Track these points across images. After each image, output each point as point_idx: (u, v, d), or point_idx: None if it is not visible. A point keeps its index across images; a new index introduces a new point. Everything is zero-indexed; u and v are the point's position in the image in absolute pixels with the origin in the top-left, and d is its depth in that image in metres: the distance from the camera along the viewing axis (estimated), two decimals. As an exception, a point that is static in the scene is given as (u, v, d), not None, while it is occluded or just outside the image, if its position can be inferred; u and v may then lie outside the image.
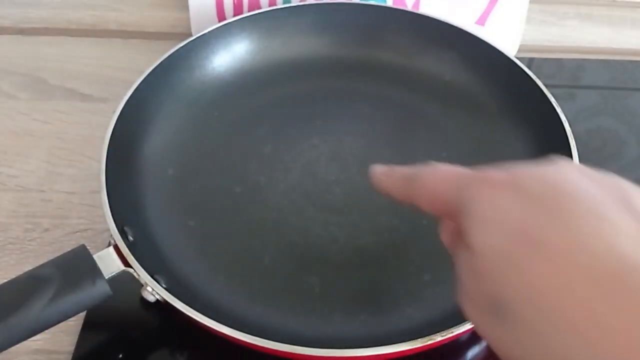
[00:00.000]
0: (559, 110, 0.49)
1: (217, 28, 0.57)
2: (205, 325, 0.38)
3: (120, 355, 0.43)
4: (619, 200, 0.25)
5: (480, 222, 0.27)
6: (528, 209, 0.26)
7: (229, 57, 0.57)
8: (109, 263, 0.40)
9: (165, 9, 0.63)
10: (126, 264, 0.41)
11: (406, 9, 0.60)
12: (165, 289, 0.40)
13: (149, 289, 0.40)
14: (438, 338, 0.38)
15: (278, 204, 0.49)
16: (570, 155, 0.46)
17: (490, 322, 0.26)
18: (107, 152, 0.46)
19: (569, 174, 0.27)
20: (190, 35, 0.58)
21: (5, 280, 0.39)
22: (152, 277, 0.40)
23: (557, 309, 0.24)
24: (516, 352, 0.26)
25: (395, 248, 0.47)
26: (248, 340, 0.38)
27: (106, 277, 0.40)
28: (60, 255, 0.40)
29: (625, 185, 0.27)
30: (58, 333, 0.44)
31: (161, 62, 0.53)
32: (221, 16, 0.62)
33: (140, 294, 0.41)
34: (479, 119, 0.54)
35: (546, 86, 0.51)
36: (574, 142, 0.47)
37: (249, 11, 0.61)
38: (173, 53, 0.54)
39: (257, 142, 0.53)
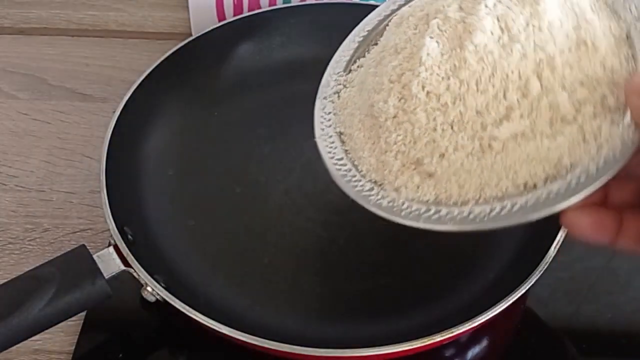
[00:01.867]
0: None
1: (217, 28, 0.57)
2: (205, 325, 0.38)
3: (120, 355, 0.43)
4: None
5: None
6: None
7: (229, 57, 0.57)
8: (109, 263, 0.40)
9: (165, 9, 0.63)
10: (126, 264, 0.41)
11: (406, 9, 0.60)
12: (165, 288, 0.40)
13: (149, 289, 0.40)
14: (438, 338, 0.38)
15: (278, 204, 0.49)
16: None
17: None
18: (107, 152, 0.46)
19: None
20: (190, 35, 0.58)
21: (5, 280, 0.39)
22: (152, 277, 0.40)
23: None
24: None
25: (395, 248, 0.47)
26: (248, 340, 0.38)
27: (106, 277, 0.40)
28: (60, 255, 0.40)
29: None
30: (58, 333, 0.44)
31: (161, 62, 0.53)
32: (221, 16, 0.62)
33: (140, 294, 0.41)
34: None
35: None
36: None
37: (249, 11, 0.61)
38: (173, 53, 0.54)
39: (257, 142, 0.53)
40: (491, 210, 0.34)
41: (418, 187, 0.36)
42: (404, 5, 0.42)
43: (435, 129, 0.36)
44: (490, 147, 0.35)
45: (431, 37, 0.37)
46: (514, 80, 0.35)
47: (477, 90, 0.35)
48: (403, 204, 0.36)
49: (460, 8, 0.38)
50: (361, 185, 0.38)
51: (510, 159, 0.35)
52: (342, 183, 0.38)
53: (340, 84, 0.43)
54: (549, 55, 0.35)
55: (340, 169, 0.39)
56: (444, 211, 0.35)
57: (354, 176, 0.38)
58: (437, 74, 0.36)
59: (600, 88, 0.34)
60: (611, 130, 0.33)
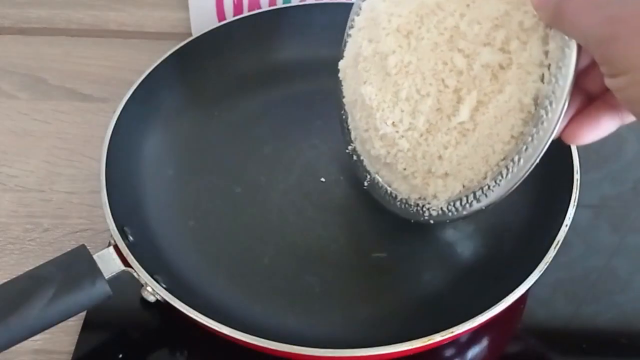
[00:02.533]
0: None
1: (217, 28, 0.57)
2: (205, 325, 0.38)
3: (120, 355, 0.43)
4: None
5: None
6: None
7: (229, 57, 0.57)
8: (109, 263, 0.40)
9: (165, 9, 0.63)
10: (126, 264, 0.41)
11: (406, 9, 0.60)
12: (165, 289, 0.40)
13: (149, 289, 0.40)
14: (438, 338, 0.38)
15: (278, 204, 0.49)
16: (571, 155, 0.46)
17: None
18: (107, 152, 0.46)
19: None
20: (190, 35, 0.58)
21: (5, 280, 0.39)
22: (152, 277, 0.40)
23: None
24: None
25: (395, 248, 0.47)
26: (248, 340, 0.38)
27: (106, 277, 0.40)
28: (60, 255, 0.40)
29: None
30: (58, 333, 0.44)
31: (161, 62, 0.53)
32: (221, 16, 0.62)
33: (140, 294, 0.41)
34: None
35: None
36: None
37: (249, 11, 0.61)
38: (173, 53, 0.54)
39: (257, 142, 0.53)
40: (506, 171, 0.38)
41: (446, 187, 0.41)
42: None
43: (419, 143, 0.41)
44: (465, 129, 0.39)
45: (364, 83, 0.42)
46: (441, 68, 0.38)
47: (422, 96, 0.39)
48: (447, 205, 0.41)
49: (370, 40, 0.42)
50: (411, 208, 0.44)
51: (486, 127, 0.38)
52: (400, 212, 0.45)
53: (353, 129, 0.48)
54: (453, 27, 0.38)
55: (398, 205, 0.45)
56: (477, 193, 0.40)
57: (405, 203, 0.44)
58: (387, 106, 0.41)
59: (513, 18, 0.36)
60: (545, 48, 0.35)
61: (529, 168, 0.37)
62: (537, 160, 0.36)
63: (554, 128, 0.35)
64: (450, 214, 0.41)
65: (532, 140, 0.36)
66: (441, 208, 0.42)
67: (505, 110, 0.37)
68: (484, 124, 0.38)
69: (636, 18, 0.28)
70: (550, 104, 0.35)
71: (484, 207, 0.40)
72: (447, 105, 0.39)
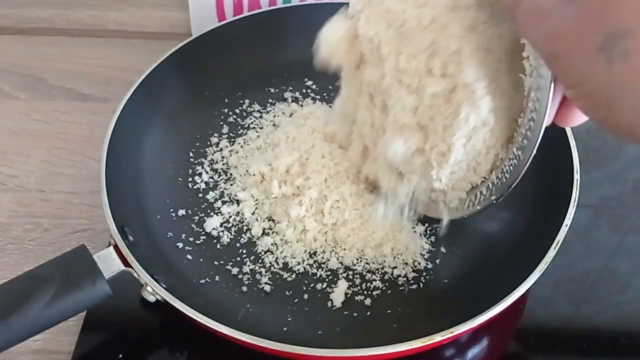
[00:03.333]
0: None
1: (217, 28, 0.57)
2: (205, 325, 0.38)
3: (120, 355, 0.43)
4: None
5: None
6: None
7: (229, 57, 0.57)
8: (109, 263, 0.40)
9: (165, 9, 0.63)
10: (126, 264, 0.41)
11: (406, 9, 0.60)
12: (165, 289, 0.40)
13: (149, 289, 0.40)
14: (438, 338, 0.38)
15: (278, 204, 0.49)
16: (571, 155, 0.46)
17: (597, 64, 0.27)
18: (107, 152, 0.46)
19: None
20: (190, 35, 0.58)
21: (5, 280, 0.39)
22: (152, 277, 0.40)
23: None
24: (617, 92, 0.27)
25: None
26: (248, 340, 0.38)
27: (106, 277, 0.40)
28: (60, 255, 0.40)
29: None
30: (58, 333, 0.44)
31: (161, 62, 0.53)
32: (221, 16, 0.62)
33: (140, 294, 0.41)
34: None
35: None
36: (574, 142, 0.47)
37: (249, 11, 0.61)
38: (173, 53, 0.54)
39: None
40: (508, 165, 0.39)
41: (447, 197, 0.42)
42: None
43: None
44: (442, 152, 0.39)
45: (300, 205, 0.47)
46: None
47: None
48: (459, 204, 0.42)
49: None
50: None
51: (459, 146, 0.39)
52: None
53: None
54: (391, 69, 0.39)
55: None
56: (484, 190, 0.41)
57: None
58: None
59: (441, 44, 0.36)
60: (521, 40, 0.35)
61: (529, 158, 0.37)
62: (535, 151, 0.37)
63: (545, 116, 0.35)
64: (464, 209, 0.43)
65: (527, 131, 0.37)
66: (457, 204, 0.43)
67: (471, 127, 0.38)
68: (456, 144, 0.38)
69: (573, 35, 0.28)
70: (537, 94, 0.35)
71: (494, 202, 0.40)
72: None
